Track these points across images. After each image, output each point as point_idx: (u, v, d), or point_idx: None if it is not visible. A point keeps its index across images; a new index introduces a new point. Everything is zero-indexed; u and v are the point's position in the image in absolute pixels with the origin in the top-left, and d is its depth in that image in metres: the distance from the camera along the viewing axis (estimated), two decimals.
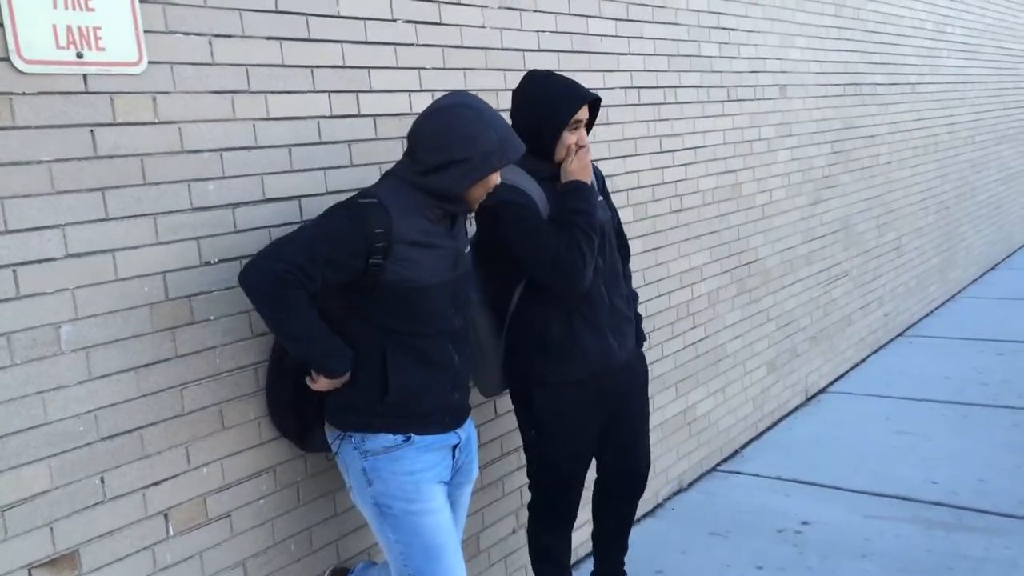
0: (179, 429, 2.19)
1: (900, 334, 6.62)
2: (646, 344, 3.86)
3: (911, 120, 6.66)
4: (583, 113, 2.50)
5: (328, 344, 2.08)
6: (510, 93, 3.06)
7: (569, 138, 2.50)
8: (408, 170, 2.13)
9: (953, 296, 7.71)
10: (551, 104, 2.46)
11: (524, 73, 2.61)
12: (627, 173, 3.73)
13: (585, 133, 2.53)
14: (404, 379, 2.13)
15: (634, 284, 3.76)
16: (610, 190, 3.55)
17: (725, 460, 4.47)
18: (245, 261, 2.30)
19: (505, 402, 3.13)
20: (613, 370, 2.64)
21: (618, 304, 2.66)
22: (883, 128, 6.18)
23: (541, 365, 2.57)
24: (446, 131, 2.09)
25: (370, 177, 2.63)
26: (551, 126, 2.47)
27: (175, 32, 2.15)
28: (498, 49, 3.07)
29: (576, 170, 2.50)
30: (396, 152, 2.70)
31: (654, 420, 3.94)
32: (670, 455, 4.07)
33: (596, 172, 2.76)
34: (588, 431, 2.67)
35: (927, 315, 7.11)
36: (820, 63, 5.29)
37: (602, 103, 2.82)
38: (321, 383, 2.15)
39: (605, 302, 2.60)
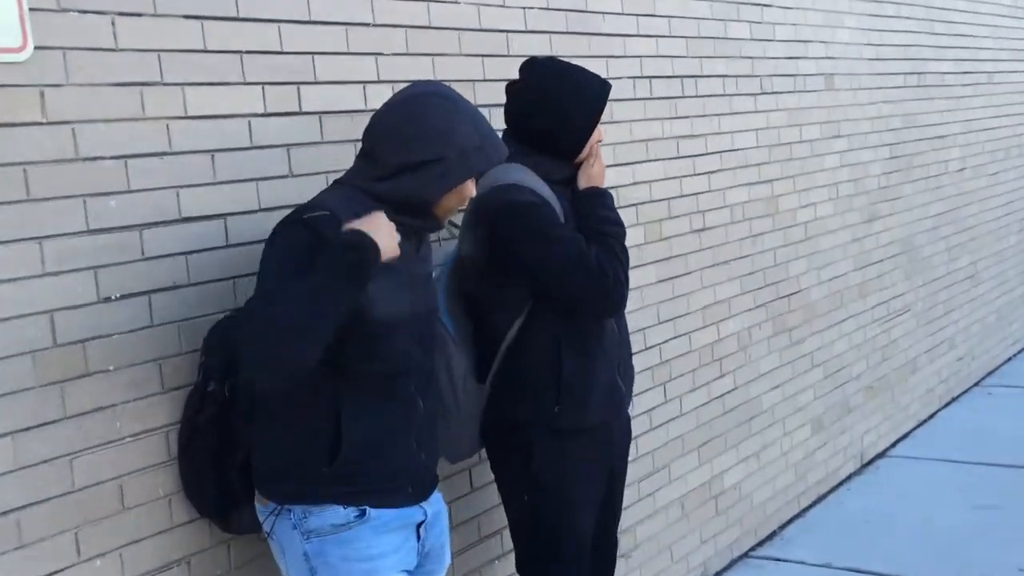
0: (67, 511, 2.15)
1: (977, 383, 6.65)
2: (661, 397, 3.86)
3: (988, 117, 6.74)
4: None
5: (321, 264, 1.94)
6: (490, 84, 3.08)
7: (594, 136, 2.66)
8: (363, 175, 2.14)
9: None
10: (580, 100, 2.59)
11: (525, 60, 2.65)
12: (636, 184, 3.75)
13: (599, 128, 2.69)
14: (360, 432, 2.11)
15: (647, 321, 3.77)
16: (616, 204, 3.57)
17: (761, 543, 4.45)
18: (155, 297, 2.28)
19: (482, 473, 3.11)
20: (618, 418, 2.75)
21: (626, 337, 2.79)
22: (954, 127, 6.25)
23: (549, 406, 2.60)
24: (413, 124, 2.08)
25: (314, 190, 2.61)
26: (579, 127, 2.61)
27: (69, 10, 2.15)
28: (475, 30, 3.08)
29: (598, 174, 2.67)
30: (347, 158, 2.70)
31: (672, 492, 3.93)
32: (692, 537, 4.05)
33: None
34: (598, 493, 2.73)
35: (1010, 359, 7.15)
36: (875, 47, 5.36)
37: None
38: (382, 234, 1.99)
39: (615, 334, 2.69)
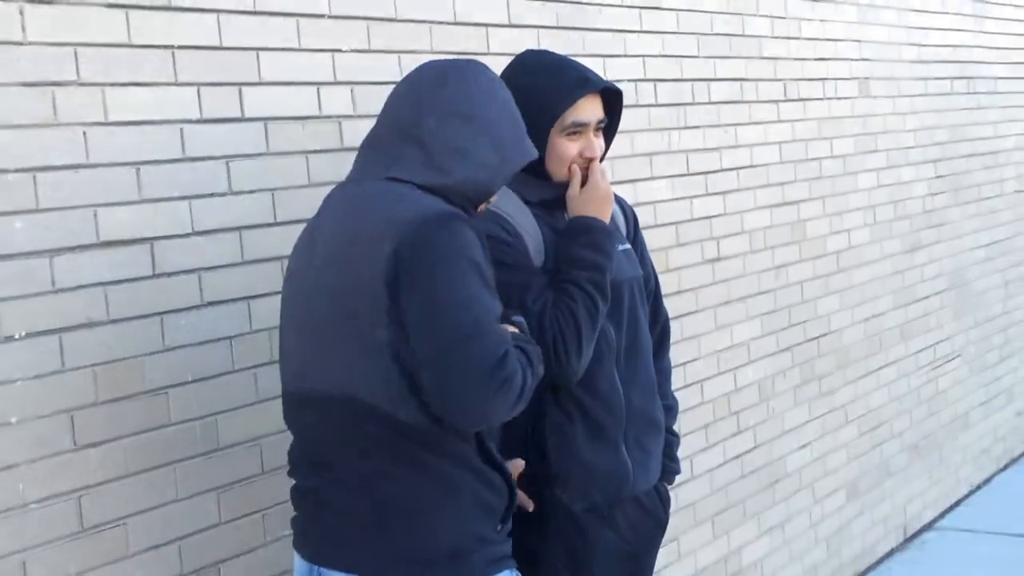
0: None
1: None
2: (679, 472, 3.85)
3: None
4: (590, 111, 2.47)
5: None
6: None
7: (568, 148, 2.46)
8: (425, 173, 2.10)
9: None
10: (540, 94, 2.42)
11: (514, 58, 2.62)
12: (638, 205, 3.75)
13: (596, 143, 2.50)
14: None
15: None
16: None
17: None
18: (67, 336, 2.27)
19: None
20: (630, 499, 2.61)
21: (638, 402, 2.61)
22: (1009, 142, 6.31)
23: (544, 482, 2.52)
24: (482, 104, 2.14)
25: (258, 210, 2.62)
26: (534, 126, 2.36)
27: None
28: (448, 23, 3.10)
29: (589, 200, 2.46)
30: (297, 173, 2.70)
31: (681, 570, 3.91)
32: None
33: (623, 207, 2.75)
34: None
35: None
36: (917, 47, 5.42)
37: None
38: None
39: (619, 398, 2.59)
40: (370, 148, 2.18)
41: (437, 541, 2.05)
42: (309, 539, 2.15)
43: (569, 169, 2.47)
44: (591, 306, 2.38)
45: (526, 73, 2.48)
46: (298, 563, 2.19)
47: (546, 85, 2.44)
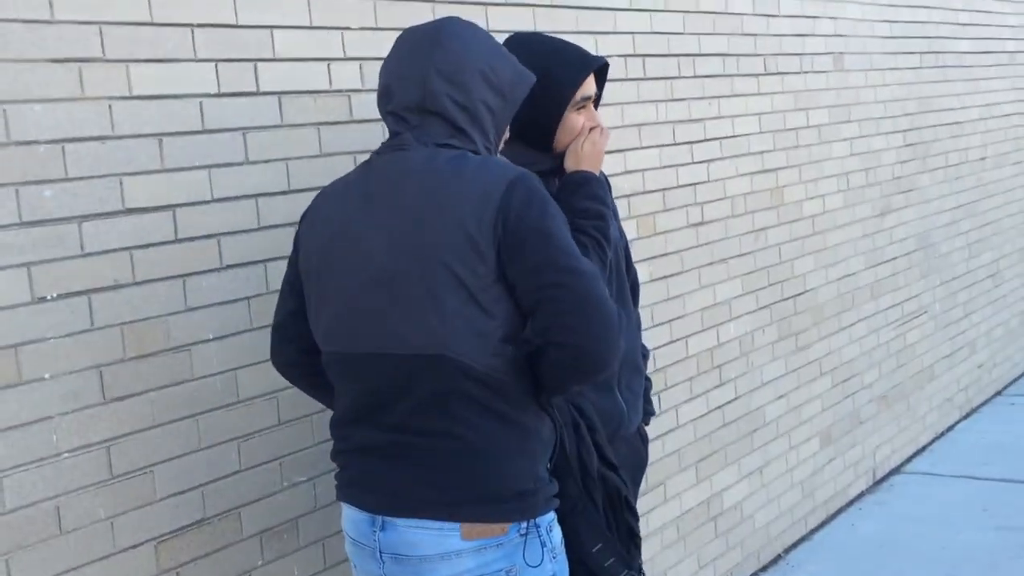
0: None
1: (999, 392, 6.69)
2: (656, 407, 3.86)
3: (1011, 102, 6.79)
4: (590, 86, 2.54)
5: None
6: None
7: (576, 120, 2.53)
8: (453, 139, 2.13)
9: None
10: (551, 75, 2.46)
11: (508, 37, 2.61)
12: (628, 173, 3.75)
13: (596, 113, 2.56)
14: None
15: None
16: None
17: (764, 568, 4.46)
18: (95, 297, 2.26)
19: None
20: (622, 439, 2.65)
21: (626, 349, 2.63)
22: (973, 112, 6.29)
23: None
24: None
25: (273, 179, 2.61)
26: (551, 104, 2.47)
27: None
28: (450, 3, 3.08)
29: (588, 155, 2.52)
30: (309, 144, 2.69)
31: (667, 513, 3.94)
32: (689, 562, 4.06)
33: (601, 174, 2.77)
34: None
35: None
36: (888, 23, 5.39)
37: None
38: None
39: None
40: (397, 121, 2.14)
41: (508, 482, 2.06)
42: (375, 491, 2.12)
43: (582, 125, 2.53)
44: (600, 251, 2.42)
45: (536, 59, 2.47)
46: (354, 515, 2.16)
47: (558, 69, 2.49)
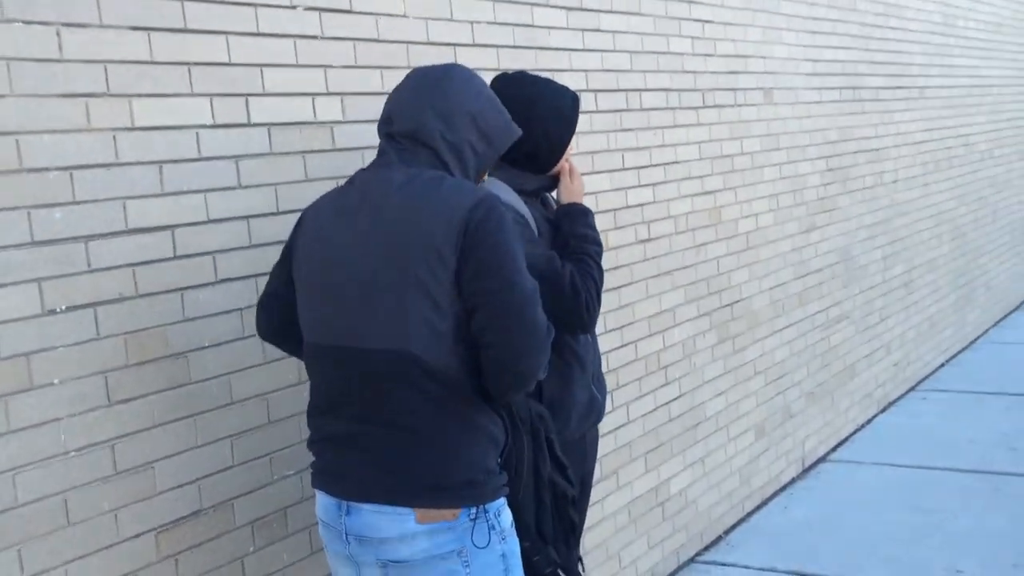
0: (10, 526, 2.10)
1: (912, 388, 6.75)
2: (608, 405, 3.86)
3: (919, 131, 6.86)
4: None
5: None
6: None
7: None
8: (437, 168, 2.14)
9: (973, 341, 7.91)
10: (558, 115, 2.57)
11: (496, 76, 2.63)
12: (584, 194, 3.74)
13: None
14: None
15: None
16: None
17: (707, 548, 4.47)
18: (101, 310, 2.24)
19: None
20: (592, 430, 2.72)
21: (599, 350, 2.77)
22: (887, 140, 6.36)
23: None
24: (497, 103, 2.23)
25: (263, 202, 2.59)
26: (557, 142, 2.58)
27: (13, 20, 2.10)
28: (422, 43, 3.07)
29: (579, 189, 2.64)
30: (296, 171, 2.67)
31: (620, 499, 3.93)
32: (639, 543, 4.06)
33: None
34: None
35: (943, 364, 7.28)
36: (812, 62, 5.43)
37: None
38: None
39: (590, 346, 2.69)
40: (392, 144, 2.15)
41: (460, 473, 2.06)
42: (341, 479, 2.12)
43: (564, 166, 2.65)
44: (600, 272, 2.54)
45: (531, 89, 2.58)
46: (324, 500, 2.16)
47: (569, 107, 2.60)
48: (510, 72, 2.65)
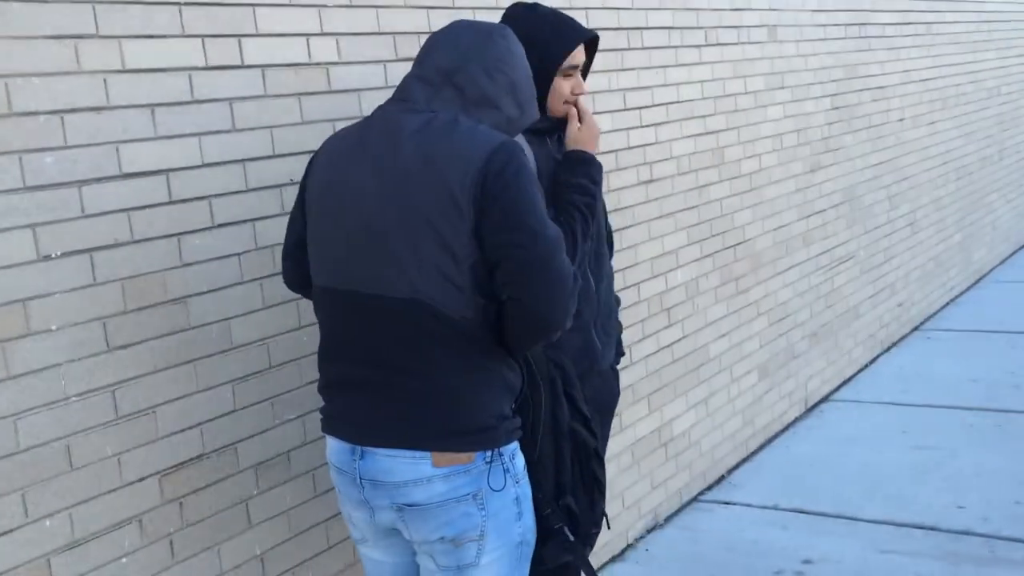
0: (13, 471, 2.11)
1: (916, 328, 6.74)
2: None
3: (927, 68, 6.77)
4: (579, 55, 2.53)
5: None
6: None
7: (563, 86, 2.52)
8: (461, 114, 2.09)
9: (979, 281, 7.88)
10: (540, 42, 2.46)
11: (511, 9, 2.57)
12: None
13: (583, 81, 2.56)
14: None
15: None
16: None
17: (710, 487, 4.49)
18: (96, 255, 2.22)
19: None
20: (596, 373, 2.66)
21: (603, 296, 2.68)
22: (894, 78, 6.28)
23: None
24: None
25: (259, 145, 2.56)
26: (543, 67, 2.45)
27: None
28: None
29: (587, 136, 2.52)
30: (291, 113, 2.63)
31: (623, 440, 3.94)
32: (643, 484, 4.08)
33: None
34: None
35: (948, 304, 7.26)
36: None
37: None
38: None
39: (591, 292, 2.62)
40: (417, 80, 2.11)
41: (475, 418, 2.05)
42: (354, 424, 2.11)
43: (569, 109, 2.53)
44: (585, 225, 2.45)
45: (533, 24, 2.49)
46: (336, 445, 2.15)
47: (552, 34, 2.48)
48: (523, 3, 2.58)
